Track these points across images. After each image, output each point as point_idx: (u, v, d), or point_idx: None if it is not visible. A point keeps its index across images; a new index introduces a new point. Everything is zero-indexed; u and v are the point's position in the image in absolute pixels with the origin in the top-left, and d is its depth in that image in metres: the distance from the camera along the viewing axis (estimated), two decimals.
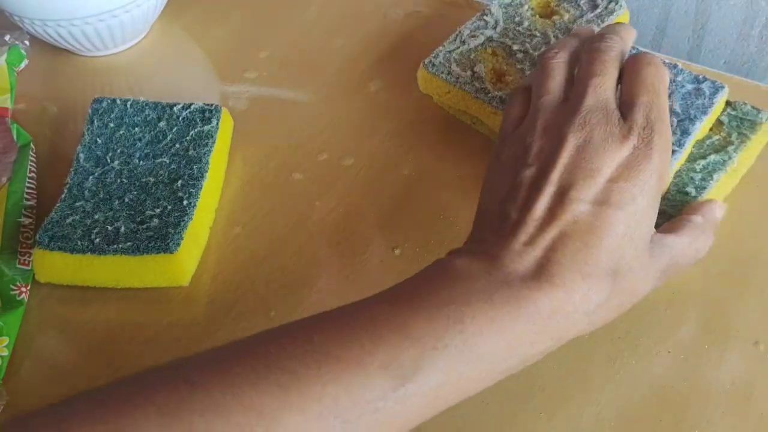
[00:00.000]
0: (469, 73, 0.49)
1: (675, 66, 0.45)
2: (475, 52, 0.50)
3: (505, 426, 0.38)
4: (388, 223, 0.47)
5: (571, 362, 0.40)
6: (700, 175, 0.42)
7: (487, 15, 0.52)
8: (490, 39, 0.50)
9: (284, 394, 0.28)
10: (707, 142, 0.44)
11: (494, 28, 0.51)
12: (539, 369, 0.40)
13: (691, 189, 0.42)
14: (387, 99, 0.54)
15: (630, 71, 0.37)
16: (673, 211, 0.41)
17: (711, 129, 0.45)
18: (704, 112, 0.42)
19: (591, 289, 0.32)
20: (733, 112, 0.45)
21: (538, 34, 0.50)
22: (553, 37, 0.50)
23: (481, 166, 0.49)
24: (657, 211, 0.35)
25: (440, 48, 0.51)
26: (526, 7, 0.52)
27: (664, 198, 0.42)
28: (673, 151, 0.41)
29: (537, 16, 0.52)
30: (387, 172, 0.50)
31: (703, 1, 0.65)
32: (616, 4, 0.50)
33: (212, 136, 0.48)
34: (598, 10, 0.50)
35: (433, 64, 0.50)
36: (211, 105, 0.49)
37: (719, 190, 0.44)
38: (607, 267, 0.32)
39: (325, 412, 0.28)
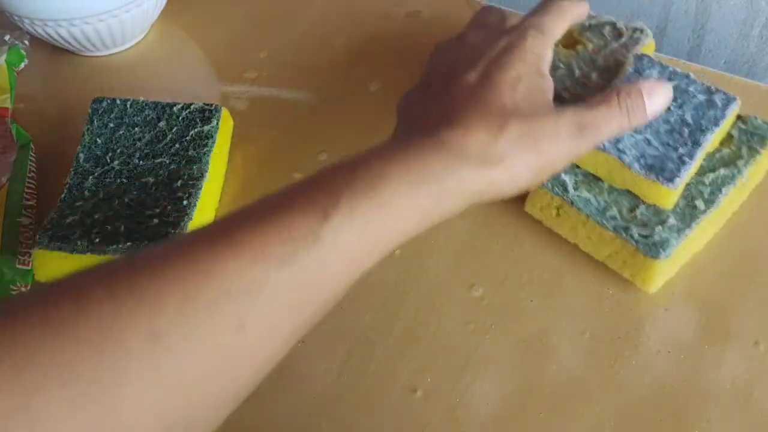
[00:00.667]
0: None
1: (687, 76, 0.44)
2: None
3: (505, 425, 0.38)
4: None
5: (571, 362, 0.40)
6: (709, 189, 0.42)
7: None
8: None
9: (212, 245, 0.29)
10: (717, 155, 0.43)
11: None
12: (539, 369, 0.40)
13: (699, 203, 0.41)
14: (387, 99, 0.54)
15: None
16: (682, 224, 0.41)
17: (721, 142, 0.44)
18: (716, 124, 0.42)
19: (490, 125, 0.35)
20: (744, 126, 0.44)
21: (562, 66, 0.47)
22: (577, 69, 0.46)
23: None
24: (551, 91, 0.39)
25: None
26: None
27: (673, 211, 0.41)
28: (684, 162, 0.40)
29: (560, 45, 0.48)
30: None
31: (703, 1, 0.65)
32: (642, 32, 0.48)
33: (212, 136, 0.48)
34: (623, 39, 0.47)
35: None
36: (211, 105, 0.49)
37: (728, 204, 0.43)
38: (502, 109, 0.36)
39: (258, 254, 0.29)
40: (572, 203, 0.42)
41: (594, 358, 0.40)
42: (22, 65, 0.59)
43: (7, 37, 0.59)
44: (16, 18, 0.55)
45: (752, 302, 0.41)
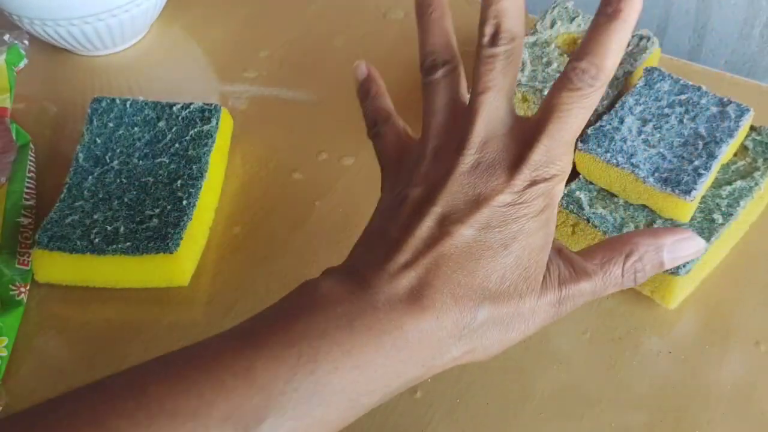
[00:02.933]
0: None
1: (699, 88, 0.43)
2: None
3: (505, 426, 0.38)
4: None
5: (571, 363, 0.40)
6: (726, 201, 0.41)
7: None
8: (518, 83, 0.47)
9: None
10: (732, 167, 0.43)
11: (522, 70, 0.48)
12: (539, 369, 0.40)
13: (717, 216, 0.41)
14: None
15: (555, 87, 0.31)
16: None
17: (736, 154, 0.43)
18: (730, 135, 0.41)
19: (463, 312, 0.30)
20: (758, 137, 0.44)
21: None
22: None
23: None
24: (550, 239, 0.32)
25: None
26: (552, 46, 0.48)
27: (690, 224, 0.41)
28: (700, 174, 0.40)
29: (565, 55, 0.48)
30: None
31: (704, 0, 0.65)
32: (648, 41, 0.47)
33: (212, 136, 0.48)
34: (629, 48, 0.47)
35: None
36: (211, 105, 0.49)
37: (745, 216, 0.42)
38: (483, 289, 0.31)
39: None
40: (588, 221, 0.41)
41: (595, 359, 0.40)
42: (22, 65, 0.59)
43: (6, 37, 0.59)
44: (15, 17, 0.55)
45: (753, 303, 0.41)
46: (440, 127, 0.34)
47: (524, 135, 0.32)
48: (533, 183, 0.31)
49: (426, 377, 0.31)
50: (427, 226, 0.31)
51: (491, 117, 0.32)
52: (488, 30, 0.32)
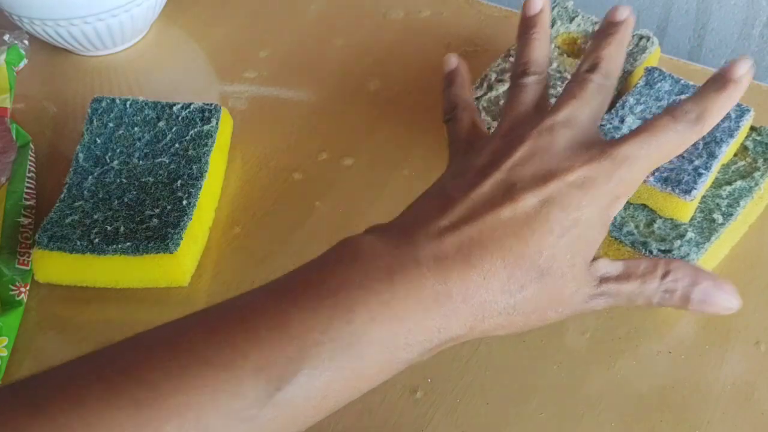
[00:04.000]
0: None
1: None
2: (504, 97, 0.45)
3: (505, 426, 0.38)
4: None
5: (571, 362, 0.40)
6: (726, 201, 0.41)
7: (512, 56, 0.47)
8: None
9: (138, 410, 0.25)
10: (732, 167, 0.43)
11: None
12: (539, 369, 0.40)
13: (718, 216, 0.41)
14: (387, 99, 0.54)
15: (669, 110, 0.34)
16: (701, 238, 0.40)
17: (736, 154, 0.43)
18: (730, 135, 0.41)
19: (511, 279, 0.30)
20: (759, 138, 0.44)
21: (569, 76, 0.44)
22: None
23: None
24: (603, 235, 0.33)
25: None
26: (552, 45, 0.48)
27: (691, 224, 0.41)
28: (700, 174, 0.40)
29: (565, 55, 0.48)
30: (387, 172, 0.50)
31: (704, 0, 0.65)
32: (648, 41, 0.47)
33: (212, 136, 0.48)
34: (629, 48, 0.47)
35: None
36: (211, 105, 0.49)
37: (745, 216, 0.43)
38: (534, 262, 0.30)
39: (187, 426, 0.25)
40: None
41: (594, 359, 0.40)
42: (22, 65, 0.59)
43: (6, 37, 0.59)
44: (15, 17, 0.55)
45: (753, 303, 0.41)
46: (517, 118, 0.36)
47: (607, 142, 0.33)
48: (608, 177, 0.32)
49: (468, 338, 0.30)
50: (488, 187, 0.31)
51: (573, 117, 0.34)
52: (586, 65, 0.36)
